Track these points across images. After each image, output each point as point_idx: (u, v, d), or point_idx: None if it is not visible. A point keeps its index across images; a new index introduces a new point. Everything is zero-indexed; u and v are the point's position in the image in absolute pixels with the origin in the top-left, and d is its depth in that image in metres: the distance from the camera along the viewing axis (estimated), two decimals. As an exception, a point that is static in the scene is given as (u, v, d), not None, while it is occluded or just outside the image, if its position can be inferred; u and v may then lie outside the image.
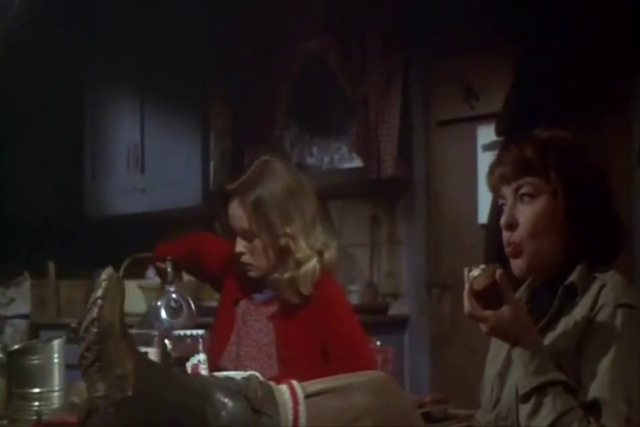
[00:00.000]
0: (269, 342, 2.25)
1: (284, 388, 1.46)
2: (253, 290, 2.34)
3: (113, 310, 1.40)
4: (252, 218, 2.22)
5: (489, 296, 1.48)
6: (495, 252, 3.44)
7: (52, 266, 4.49)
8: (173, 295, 2.22)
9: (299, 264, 2.23)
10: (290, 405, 1.43)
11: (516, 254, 1.60)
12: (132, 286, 4.24)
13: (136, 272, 3.16)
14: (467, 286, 1.49)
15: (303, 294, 2.23)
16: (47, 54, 4.59)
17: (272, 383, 1.49)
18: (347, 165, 4.29)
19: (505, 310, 1.47)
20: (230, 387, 1.43)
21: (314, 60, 4.30)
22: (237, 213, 2.24)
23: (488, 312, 1.48)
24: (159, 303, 2.20)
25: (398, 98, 4.03)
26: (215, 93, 4.52)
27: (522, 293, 1.69)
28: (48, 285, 4.51)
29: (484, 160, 3.78)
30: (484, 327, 1.49)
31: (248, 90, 4.53)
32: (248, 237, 2.25)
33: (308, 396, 1.45)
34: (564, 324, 1.55)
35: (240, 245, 2.26)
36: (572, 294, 1.57)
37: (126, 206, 4.73)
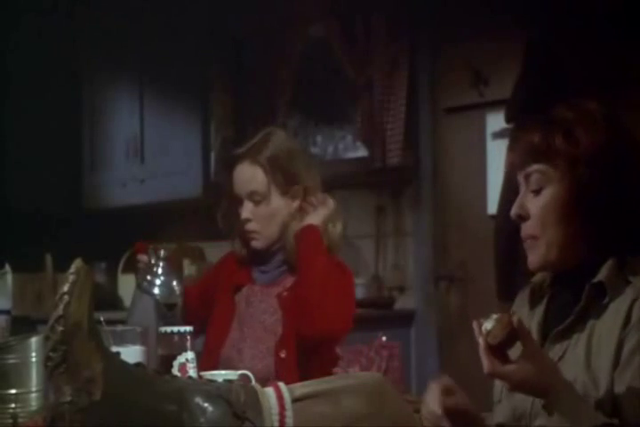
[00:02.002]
0: (275, 321, 2.18)
1: (269, 391, 1.35)
2: (252, 278, 2.29)
3: (81, 307, 1.29)
4: (269, 174, 2.17)
5: (506, 347, 1.31)
6: (505, 243, 3.33)
7: (49, 259, 4.42)
8: (161, 289, 2.10)
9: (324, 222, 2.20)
10: (276, 410, 1.31)
11: (530, 248, 1.47)
12: (131, 281, 4.14)
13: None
14: (481, 341, 1.31)
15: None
16: (45, 42, 4.52)
17: (257, 386, 1.38)
18: (351, 155, 4.20)
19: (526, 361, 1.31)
20: (210, 390, 1.32)
21: (317, 46, 4.21)
22: (247, 174, 2.19)
23: (511, 367, 1.30)
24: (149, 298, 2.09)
25: (404, 84, 3.93)
26: (216, 81, 4.42)
27: (545, 289, 1.55)
28: (45, 278, 4.43)
29: (494, 148, 3.71)
30: (507, 385, 1.32)
31: (250, 77, 4.44)
32: (257, 198, 2.18)
33: (295, 400, 1.33)
34: (594, 332, 1.41)
35: (247, 211, 2.19)
36: (601, 294, 1.42)
37: (125, 197, 4.67)
